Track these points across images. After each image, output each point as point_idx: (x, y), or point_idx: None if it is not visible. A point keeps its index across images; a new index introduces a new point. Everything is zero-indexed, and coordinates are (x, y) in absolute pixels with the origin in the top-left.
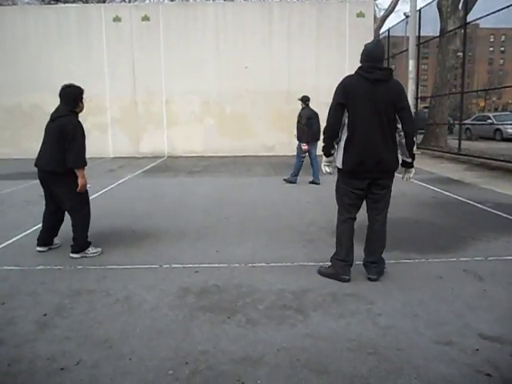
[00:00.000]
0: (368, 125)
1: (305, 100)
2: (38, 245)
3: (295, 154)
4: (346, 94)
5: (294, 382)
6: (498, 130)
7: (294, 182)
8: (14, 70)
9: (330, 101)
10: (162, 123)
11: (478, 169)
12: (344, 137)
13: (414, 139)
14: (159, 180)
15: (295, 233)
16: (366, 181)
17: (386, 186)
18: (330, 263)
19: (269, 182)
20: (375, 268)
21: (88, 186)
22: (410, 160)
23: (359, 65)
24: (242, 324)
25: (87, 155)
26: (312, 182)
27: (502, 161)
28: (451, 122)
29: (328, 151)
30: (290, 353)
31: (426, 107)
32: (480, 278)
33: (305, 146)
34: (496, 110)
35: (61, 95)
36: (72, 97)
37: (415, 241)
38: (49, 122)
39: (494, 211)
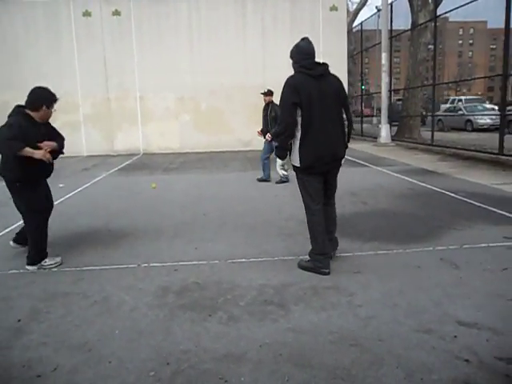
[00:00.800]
0: (321, 120)
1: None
2: (13, 239)
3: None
4: (298, 92)
5: (277, 377)
6: (468, 120)
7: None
8: None
9: None
10: (136, 120)
11: (451, 159)
12: (298, 135)
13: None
14: (135, 178)
15: (274, 227)
16: (323, 172)
17: (337, 172)
18: (308, 256)
19: (246, 177)
20: (333, 244)
21: (61, 185)
22: (347, 145)
23: (332, 59)
24: (224, 321)
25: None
26: (263, 180)
27: (474, 150)
28: (424, 113)
29: (285, 153)
30: (272, 348)
31: (399, 99)
32: (456, 266)
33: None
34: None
35: (28, 95)
36: (34, 98)
37: (393, 232)
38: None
39: (467, 200)
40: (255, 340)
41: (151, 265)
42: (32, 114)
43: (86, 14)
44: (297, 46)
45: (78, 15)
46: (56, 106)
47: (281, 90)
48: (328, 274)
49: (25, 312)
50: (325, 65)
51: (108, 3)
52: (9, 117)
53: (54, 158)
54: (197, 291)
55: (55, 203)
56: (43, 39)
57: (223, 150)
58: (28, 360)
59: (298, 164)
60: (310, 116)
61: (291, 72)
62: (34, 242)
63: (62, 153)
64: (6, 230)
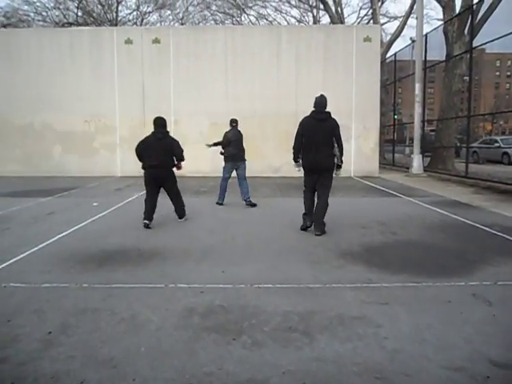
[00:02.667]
0: (311, 144)
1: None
2: (145, 219)
3: (293, 175)
4: (303, 128)
5: None
6: (505, 153)
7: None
8: (28, 90)
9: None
10: None
11: (486, 192)
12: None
13: (343, 152)
14: (166, 200)
15: (301, 254)
16: (315, 174)
17: (326, 177)
18: (335, 285)
19: (275, 202)
20: (319, 226)
21: (95, 204)
22: (340, 163)
23: (364, 88)
24: (248, 346)
25: (95, 174)
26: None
27: (510, 184)
28: (458, 144)
29: (295, 160)
30: (295, 376)
31: (432, 130)
32: (489, 303)
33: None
34: (503, 133)
35: (156, 122)
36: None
37: (423, 264)
38: (156, 140)
39: (502, 235)
40: (279, 366)
41: (178, 285)
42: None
43: (128, 41)
44: (315, 99)
45: (121, 42)
46: (94, 127)
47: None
48: (309, 225)
49: (55, 325)
50: (327, 113)
51: (149, 32)
52: (161, 138)
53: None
54: (222, 314)
55: (88, 221)
56: (86, 63)
57: (254, 175)
58: (56, 372)
59: (302, 166)
60: (307, 142)
61: None
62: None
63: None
64: (42, 245)
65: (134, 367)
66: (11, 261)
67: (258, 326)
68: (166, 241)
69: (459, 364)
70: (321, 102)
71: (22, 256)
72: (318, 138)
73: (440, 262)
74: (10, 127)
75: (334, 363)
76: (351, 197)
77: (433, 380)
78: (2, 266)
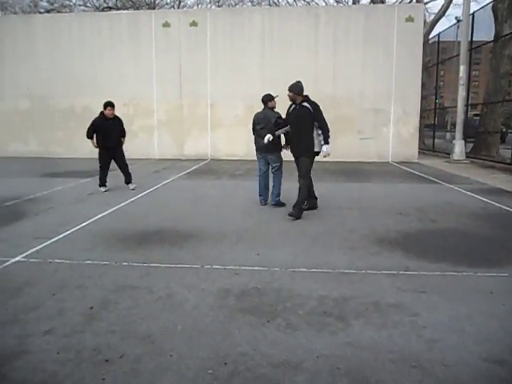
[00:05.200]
0: (293, 129)
1: None
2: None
3: (323, 159)
4: (288, 115)
5: None
6: None
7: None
8: (69, 73)
9: (376, 106)
10: (206, 126)
11: None
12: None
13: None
14: (202, 182)
15: (336, 239)
16: (297, 156)
17: (302, 159)
18: (371, 271)
19: None
20: (294, 208)
21: (133, 186)
22: (325, 142)
23: (405, 71)
24: (282, 328)
25: (134, 156)
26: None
27: None
28: (504, 130)
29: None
30: (329, 360)
31: (476, 115)
32: None
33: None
34: None
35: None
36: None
37: (463, 253)
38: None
39: None
40: (312, 350)
41: (214, 267)
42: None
43: (166, 24)
44: (298, 85)
45: (159, 26)
46: (132, 110)
47: (350, 102)
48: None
49: (97, 301)
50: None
51: (186, 14)
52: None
53: None
54: (257, 296)
55: (127, 202)
56: (125, 47)
57: (289, 159)
58: (98, 345)
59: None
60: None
61: (361, 83)
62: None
63: None
64: (84, 223)
65: (171, 344)
66: (55, 238)
67: (293, 309)
68: (202, 223)
69: (501, 357)
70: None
71: (65, 234)
72: (297, 123)
73: (481, 251)
74: (53, 110)
75: (368, 350)
76: (387, 183)
77: (471, 371)
78: (47, 243)
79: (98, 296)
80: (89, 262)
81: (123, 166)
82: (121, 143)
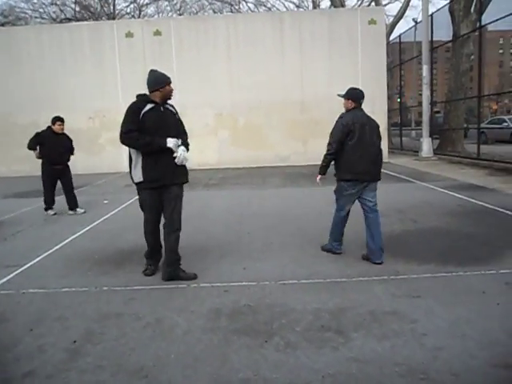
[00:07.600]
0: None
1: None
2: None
3: (306, 164)
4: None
5: None
6: None
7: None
8: (30, 88)
9: (343, 110)
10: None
11: (501, 174)
12: None
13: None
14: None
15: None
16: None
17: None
18: (362, 278)
19: (286, 192)
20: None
21: (105, 201)
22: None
23: (371, 72)
24: (281, 348)
25: (102, 171)
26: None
27: None
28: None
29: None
30: (336, 379)
31: (436, 112)
32: None
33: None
34: (508, 112)
35: None
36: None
37: (449, 252)
38: None
39: None
40: (317, 370)
41: (201, 285)
42: None
43: (129, 34)
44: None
45: (121, 36)
46: (98, 123)
47: (318, 105)
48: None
49: (80, 333)
50: None
51: (149, 24)
52: None
53: None
54: (250, 315)
55: (100, 220)
56: (88, 59)
57: (261, 165)
58: None
59: None
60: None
61: (329, 87)
62: None
63: None
64: (57, 247)
65: (167, 376)
66: (27, 265)
67: (289, 325)
68: (182, 237)
69: (506, 361)
70: None
71: (37, 260)
72: None
73: (467, 249)
74: (14, 127)
75: (374, 364)
76: None
77: (482, 379)
78: (19, 271)
79: (81, 327)
80: (66, 289)
81: (69, 190)
82: (67, 160)
